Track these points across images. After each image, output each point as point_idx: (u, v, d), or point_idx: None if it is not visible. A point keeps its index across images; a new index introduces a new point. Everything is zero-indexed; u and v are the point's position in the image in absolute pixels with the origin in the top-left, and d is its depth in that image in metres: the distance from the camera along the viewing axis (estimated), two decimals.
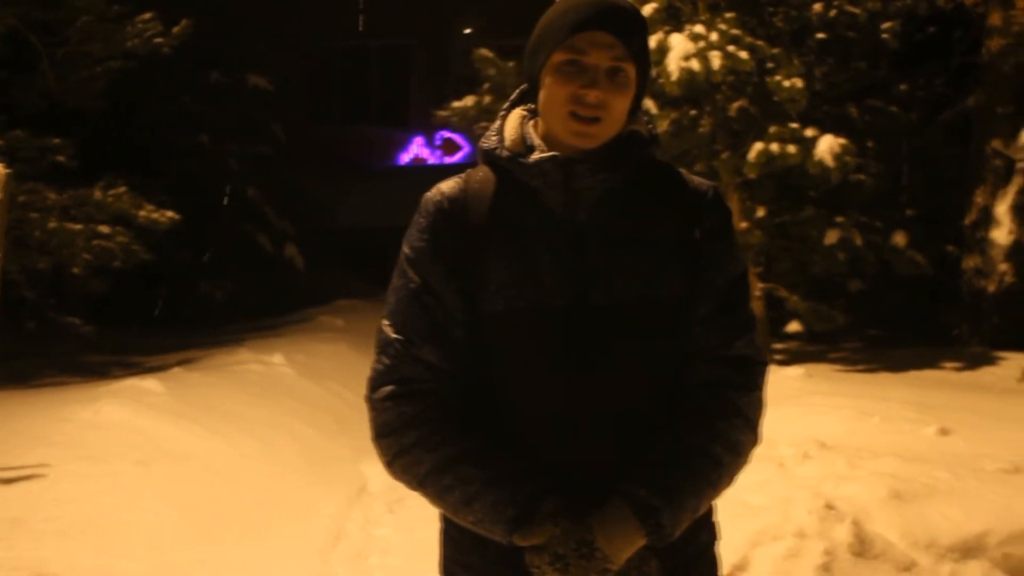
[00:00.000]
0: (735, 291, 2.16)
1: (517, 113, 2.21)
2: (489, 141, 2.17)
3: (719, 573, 2.27)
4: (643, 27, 2.10)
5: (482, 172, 2.18)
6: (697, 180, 2.21)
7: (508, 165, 2.13)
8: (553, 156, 2.08)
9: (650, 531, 1.97)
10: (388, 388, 2.09)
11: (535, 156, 2.10)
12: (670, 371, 2.12)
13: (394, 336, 2.10)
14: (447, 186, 2.18)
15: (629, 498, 1.99)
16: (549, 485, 2.01)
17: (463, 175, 2.20)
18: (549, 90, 2.08)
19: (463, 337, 2.10)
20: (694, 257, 2.13)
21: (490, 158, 2.17)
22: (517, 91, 2.25)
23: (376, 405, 2.10)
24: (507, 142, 2.15)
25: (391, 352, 2.10)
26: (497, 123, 2.21)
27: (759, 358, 2.17)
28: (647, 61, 2.12)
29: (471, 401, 2.11)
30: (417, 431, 2.05)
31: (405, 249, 2.15)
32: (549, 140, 2.12)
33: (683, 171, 2.24)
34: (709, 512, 2.21)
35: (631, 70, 2.06)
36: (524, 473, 2.02)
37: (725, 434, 2.07)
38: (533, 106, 2.19)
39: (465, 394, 2.11)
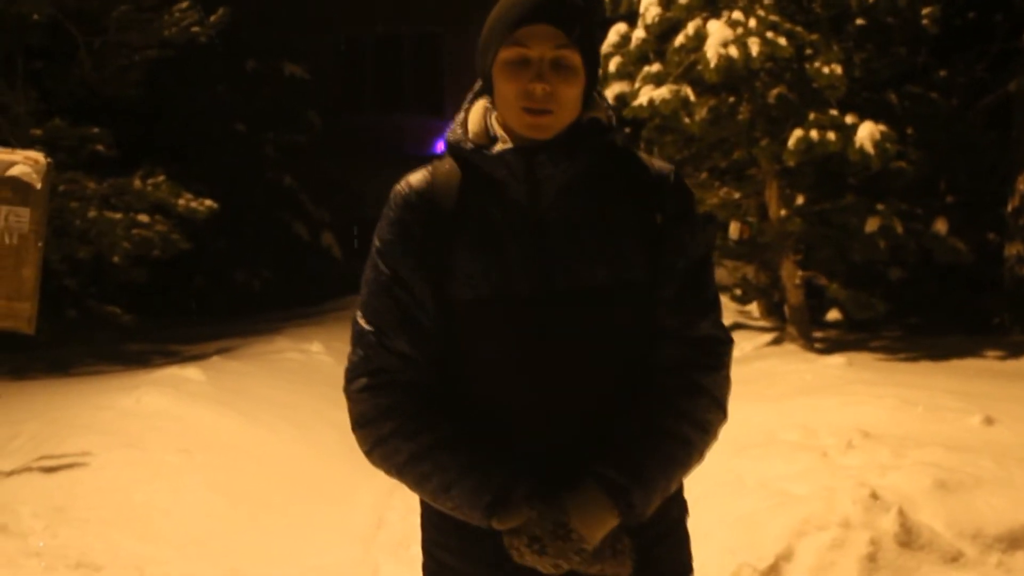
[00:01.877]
0: (699, 272, 2.21)
1: (480, 104, 2.23)
2: (454, 133, 2.20)
3: (689, 547, 2.32)
4: (585, 11, 2.12)
5: (448, 164, 2.22)
6: (658, 164, 2.25)
7: (472, 157, 2.16)
8: (515, 147, 2.11)
9: (622, 511, 2.03)
10: (363, 380, 2.15)
11: (498, 148, 2.13)
12: (637, 353, 2.17)
13: (367, 328, 2.16)
14: (415, 179, 2.22)
15: (600, 479, 2.04)
16: (522, 469, 2.06)
17: (430, 167, 2.24)
18: (500, 87, 2.12)
19: (433, 325, 2.15)
20: (657, 241, 2.17)
21: (455, 150, 2.20)
22: (478, 82, 2.26)
23: (353, 396, 2.16)
24: (471, 134, 2.18)
25: (365, 343, 2.16)
26: (461, 115, 2.24)
27: (724, 337, 2.23)
28: (593, 45, 2.15)
29: (444, 387, 2.16)
30: (393, 421, 2.11)
31: (376, 242, 2.20)
32: (509, 131, 2.15)
33: (644, 155, 2.28)
34: (680, 489, 2.27)
35: (575, 57, 2.09)
36: (498, 458, 2.08)
37: (692, 414, 2.13)
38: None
39: (438, 380, 2.16)
